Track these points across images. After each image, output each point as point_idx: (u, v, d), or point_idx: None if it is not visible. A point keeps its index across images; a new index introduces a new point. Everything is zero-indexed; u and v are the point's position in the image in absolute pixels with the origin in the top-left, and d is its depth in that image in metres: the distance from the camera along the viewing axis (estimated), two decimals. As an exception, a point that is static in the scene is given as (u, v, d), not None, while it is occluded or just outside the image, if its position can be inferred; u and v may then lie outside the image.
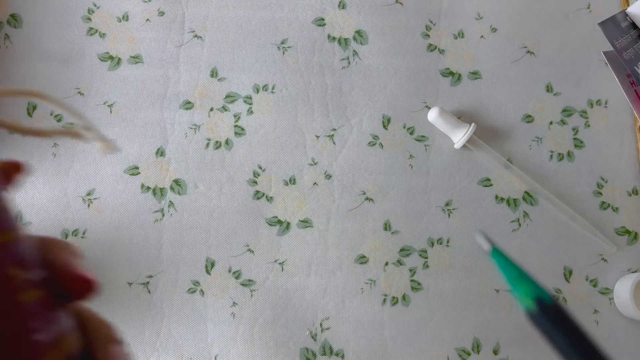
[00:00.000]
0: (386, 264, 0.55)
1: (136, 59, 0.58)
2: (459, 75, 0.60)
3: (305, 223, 0.56)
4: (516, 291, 0.20)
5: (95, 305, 0.58)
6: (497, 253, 0.20)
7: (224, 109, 0.58)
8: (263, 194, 0.56)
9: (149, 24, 0.59)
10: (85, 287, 0.22)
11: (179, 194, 0.56)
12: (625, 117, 0.60)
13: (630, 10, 0.59)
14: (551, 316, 0.18)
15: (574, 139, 0.59)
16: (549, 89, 0.60)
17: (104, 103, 0.57)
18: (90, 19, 0.59)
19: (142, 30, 0.59)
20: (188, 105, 0.58)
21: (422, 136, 0.58)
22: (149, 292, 0.54)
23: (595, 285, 0.56)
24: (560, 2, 0.62)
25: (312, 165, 0.57)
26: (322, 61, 0.59)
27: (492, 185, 0.58)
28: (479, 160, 0.58)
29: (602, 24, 0.58)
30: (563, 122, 0.59)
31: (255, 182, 0.56)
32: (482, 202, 0.57)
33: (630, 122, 0.60)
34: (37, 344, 0.19)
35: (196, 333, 0.54)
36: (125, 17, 0.59)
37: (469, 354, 0.54)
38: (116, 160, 0.56)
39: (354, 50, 0.60)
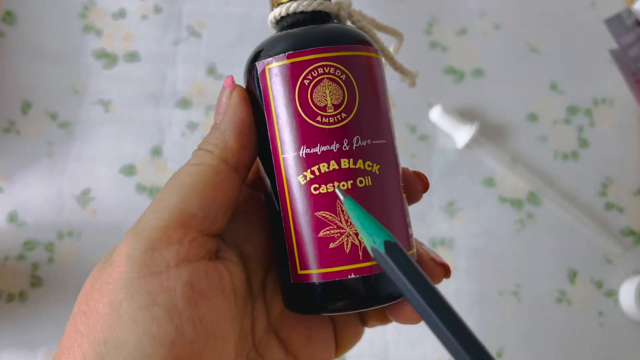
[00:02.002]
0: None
1: (132, 56, 0.58)
2: (462, 73, 0.59)
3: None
4: (367, 233, 0.23)
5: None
6: (351, 202, 0.24)
7: (222, 107, 0.57)
8: (262, 194, 0.56)
9: (145, 21, 0.59)
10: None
11: (176, 194, 0.55)
12: (630, 115, 0.59)
13: (636, 7, 0.58)
14: (395, 255, 0.22)
15: (579, 138, 0.59)
16: (553, 87, 0.59)
17: (100, 101, 0.57)
18: (85, 16, 0.58)
19: (138, 27, 0.58)
20: (185, 103, 0.57)
21: (424, 135, 0.58)
22: (146, 294, 0.54)
23: (600, 287, 0.55)
24: (565, -2, 0.62)
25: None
26: (322, 59, 0.58)
27: (495, 185, 0.57)
28: (482, 159, 0.58)
29: (608, 22, 0.57)
30: (568, 121, 0.59)
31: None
32: (486, 202, 0.57)
33: (636, 121, 0.59)
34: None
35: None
36: (122, 14, 0.59)
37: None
38: (112, 160, 0.56)
39: (354, 48, 0.59)
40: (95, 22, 0.58)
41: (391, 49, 0.31)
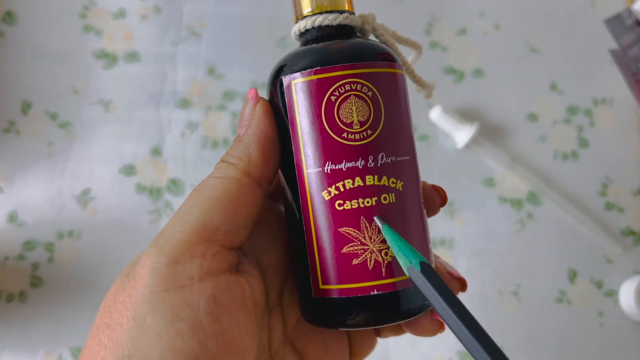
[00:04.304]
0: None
1: (132, 56, 0.58)
2: (462, 73, 0.59)
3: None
4: (404, 254, 0.24)
5: (91, 307, 0.57)
6: (389, 229, 0.25)
7: (222, 107, 0.57)
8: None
9: (145, 21, 0.58)
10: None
11: (175, 194, 0.55)
12: (630, 115, 0.59)
13: (636, 7, 0.58)
14: (429, 274, 0.23)
15: (579, 138, 0.58)
16: (553, 87, 0.59)
17: (100, 101, 0.57)
18: (85, 16, 0.58)
19: (138, 27, 0.58)
20: (185, 103, 0.57)
21: (424, 135, 0.58)
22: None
23: (600, 287, 0.55)
24: (565, -2, 0.62)
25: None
26: (322, 59, 0.58)
27: (495, 185, 0.57)
28: (482, 159, 0.58)
29: (608, 22, 0.57)
30: (568, 121, 0.59)
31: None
32: (486, 202, 0.57)
33: (636, 121, 0.59)
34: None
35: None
36: (122, 14, 0.59)
37: (471, 358, 0.53)
38: (112, 160, 0.56)
39: (354, 48, 0.59)
40: (95, 22, 0.58)
41: (409, 59, 0.31)
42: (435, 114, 0.56)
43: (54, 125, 0.56)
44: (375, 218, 0.25)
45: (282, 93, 0.26)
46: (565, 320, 0.55)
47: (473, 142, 0.56)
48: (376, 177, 0.25)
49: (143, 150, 0.56)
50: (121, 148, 0.56)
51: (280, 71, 0.26)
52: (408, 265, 0.24)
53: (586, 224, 0.56)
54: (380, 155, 0.25)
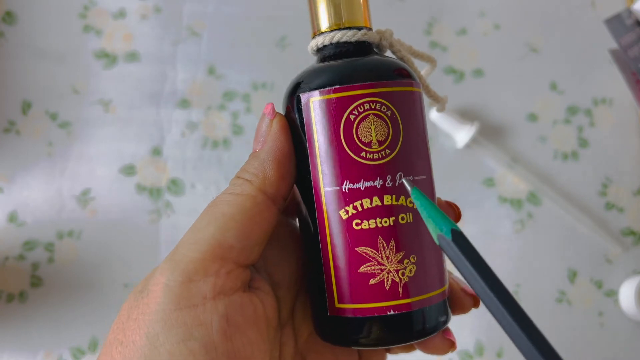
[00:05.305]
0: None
1: (132, 56, 0.58)
2: (462, 73, 0.59)
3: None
4: (433, 222, 0.23)
5: (91, 308, 0.57)
6: (418, 192, 0.24)
7: (222, 107, 0.57)
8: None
9: (145, 21, 0.58)
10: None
11: (175, 194, 0.55)
12: (630, 115, 0.59)
13: (636, 7, 0.58)
14: (461, 242, 0.23)
15: (579, 138, 0.58)
16: (553, 87, 0.59)
17: (100, 101, 0.57)
18: (85, 16, 0.58)
19: (138, 27, 0.58)
20: (185, 103, 0.57)
21: (424, 135, 0.58)
22: (146, 294, 0.54)
23: (600, 287, 0.55)
24: (565, -2, 0.62)
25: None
26: (322, 59, 0.58)
27: (495, 185, 0.57)
28: (482, 159, 0.58)
29: (608, 22, 0.57)
30: (567, 121, 0.59)
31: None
32: (486, 202, 0.57)
33: (636, 121, 0.59)
34: None
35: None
36: (122, 14, 0.58)
37: (471, 357, 0.53)
38: (112, 160, 0.56)
39: (354, 48, 0.59)
40: (95, 22, 0.58)
41: (423, 72, 0.32)
42: (436, 114, 0.56)
43: (54, 125, 0.56)
44: (403, 180, 0.25)
45: (300, 110, 0.26)
46: (565, 320, 0.55)
47: (473, 142, 0.56)
48: (394, 196, 0.25)
49: (143, 150, 0.56)
50: (121, 148, 0.56)
51: (297, 87, 0.26)
52: (438, 233, 0.23)
53: (586, 224, 0.56)
54: (398, 174, 0.25)
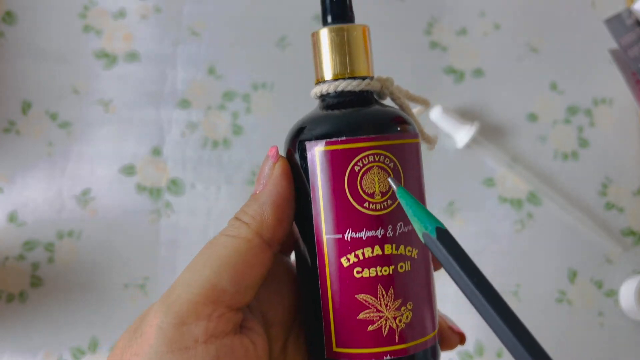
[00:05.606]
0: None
1: (132, 56, 0.58)
2: (462, 73, 0.59)
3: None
4: (418, 219, 0.24)
5: (91, 308, 0.57)
6: (403, 191, 0.25)
7: (222, 107, 0.57)
8: (262, 194, 0.56)
9: (145, 21, 0.58)
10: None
11: (175, 194, 0.55)
12: (630, 115, 0.59)
13: (636, 7, 0.58)
14: (446, 240, 0.23)
15: (579, 138, 0.58)
16: (553, 87, 0.59)
17: (100, 101, 0.57)
18: (85, 16, 0.58)
19: (138, 27, 0.58)
20: (185, 103, 0.57)
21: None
22: (146, 294, 0.54)
23: (600, 287, 0.55)
24: (565, -2, 0.62)
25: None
26: (322, 59, 0.58)
27: (495, 185, 0.57)
28: (482, 159, 0.57)
29: (608, 22, 0.57)
30: (567, 121, 0.59)
31: (254, 183, 0.56)
32: (486, 202, 0.57)
33: (636, 121, 0.59)
34: None
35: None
36: (122, 14, 0.58)
37: (471, 357, 0.53)
38: (112, 160, 0.56)
39: (354, 48, 0.59)
40: (95, 22, 0.58)
41: (415, 111, 0.33)
42: (435, 114, 0.56)
43: (54, 125, 0.56)
44: (389, 180, 0.25)
45: (304, 157, 0.26)
46: (565, 320, 0.55)
47: (473, 142, 0.56)
48: (394, 245, 0.26)
49: (143, 150, 0.56)
50: (121, 148, 0.56)
51: (301, 132, 0.27)
52: (423, 231, 0.24)
53: (586, 224, 0.56)
54: (399, 224, 0.26)
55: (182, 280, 0.25)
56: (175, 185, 0.56)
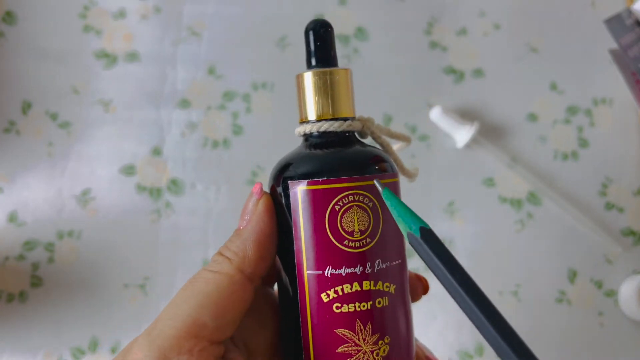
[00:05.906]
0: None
1: (132, 56, 0.58)
2: (462, 73, 0.59)
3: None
4: (403, 220, 0.25)
5: (91, 308, 0.57)
6: (388, 192, 0.25)
7: (222, 107, 0.57)
8: (262, 194, 0.56)
9: (145, 21, 0.58)
10: None
11: (175, 194, 0.55)
12: (630, 115, 0.59)
13: (636, 7, 0.58)
14: (429, 240, 0.24)
15: (579, 138, 0.58)
16: (553, 87, 0.59)
17: (100, 101, 0.57)
18: (85, 16, 0.58)
19: (138, 27, 0.58)
20: (185, 103, 0.57)
21: (424, 135, 0.58)
22: (146, 294, 0.54)
23: (600, 287, 0.55)
24: (565, -2, 0.62)
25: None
26: (322, 59, 0.58)
27: (495, 185, 0.57)
28: (482, 159, 0.57)
29: (608, 22, 0.57)
30: (567, 121, 0.59)
31: (254, 183, 0.56)
32: (486, 202, 0.57)
33: (636, 121, 0.59)
34: None
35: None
36: (122, 14, 0.58)
37: (471, 357, 0.53)
38: (112, 160, 0.56)
39: (354, 48, 0.59)
40: (95, 22, 0.58)
41: (396, 147, 0.34)
42: (435, 114, 0.56)
43: (54, 125, 0.56)
44: (375, 181, 0.26)
45: (287, 195, 0.27)
46: (565, 320, 0.55)
47: (473, 142, 0.56)
48: (372, 282, 0.26)
49: (143, 150, 0.56)
50: (121, 148, 0.56)
51: (285, 170, 0.28)
52: (408, 231, 0.24)
53: (586, 224, 0.56)
54: (377, 261, 0.27)
55: (165, 315, 0.25)
56: (175, 185, 0.56)
